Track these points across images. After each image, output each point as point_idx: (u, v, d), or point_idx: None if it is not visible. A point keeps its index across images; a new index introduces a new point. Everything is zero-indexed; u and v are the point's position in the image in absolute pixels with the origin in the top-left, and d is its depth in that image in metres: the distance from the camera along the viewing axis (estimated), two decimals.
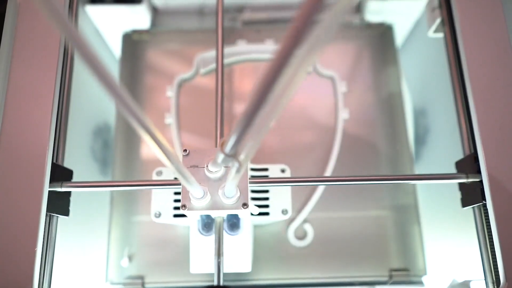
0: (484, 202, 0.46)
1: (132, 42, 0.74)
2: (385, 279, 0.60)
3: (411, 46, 0.87)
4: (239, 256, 0.49)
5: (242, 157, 0.32)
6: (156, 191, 0.50)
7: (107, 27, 0.80)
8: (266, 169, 0.53)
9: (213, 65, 0.71)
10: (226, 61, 0.72)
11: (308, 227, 0.62)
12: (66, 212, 0.50)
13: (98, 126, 0.77)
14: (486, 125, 0.47)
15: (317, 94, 0.70)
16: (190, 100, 0.70)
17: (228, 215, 0.49)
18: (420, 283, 0.61)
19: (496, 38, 0.51)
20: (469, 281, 0.56)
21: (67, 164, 0.52)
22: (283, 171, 0.53)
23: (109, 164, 0.80)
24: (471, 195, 0.49)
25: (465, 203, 0.51)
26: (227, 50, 0.72)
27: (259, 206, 0.50)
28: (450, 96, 0.57)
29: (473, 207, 0.50)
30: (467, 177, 0.48)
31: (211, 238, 0.48)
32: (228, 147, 0.30)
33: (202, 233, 0.49)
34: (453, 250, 0.68)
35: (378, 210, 0.63)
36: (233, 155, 0.31)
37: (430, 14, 0.63)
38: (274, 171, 0.53)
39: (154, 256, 0.61)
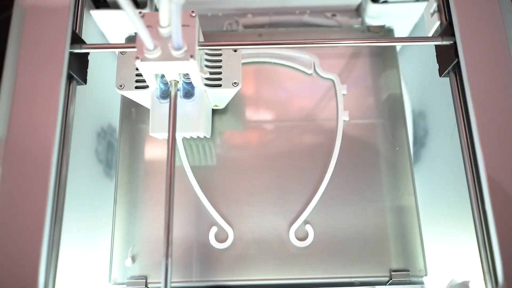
0: (458, 59, 0.53)
1: None
2: (385, 279, 0.61)
3: (411, 49, 0.88)
4: (191, 120, 0.56)
5: None
6: (120, 68, 0.57)
7: (112, 31, 0.81)
8: (220, 54, 0.58)
9: None
10: None
11: (309, 228, 0.63)
12: (84, 78, 0.57)
13: (102, 127, 0.78)
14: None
15: (318, 97, 0.71)
16: None
17: (183, 84, 0.56)
18: (421, 283, 0.62)
19: (495, 41, 0.52)
20: (468, 281, 0.56)
21: (71, 165, 0.53)
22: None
23: (113, 166, 0.81)
24: (446, 57, 0.56)
25: (441, 70, 0.58)
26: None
27: (212, 79, 0.56)
28: (449, 98, 0.58)
29: (449, 74, 0.56)
30: (442, 40, 0.56)
31: (168, 105, 0.54)
32: None
33: (160, 100, 0.56)
34: (453, 250, 0.69)
35: (378, 211, 0.64)
36: None
37: (429, 17, 0.64)
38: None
39: (157, 256, 0.62)
